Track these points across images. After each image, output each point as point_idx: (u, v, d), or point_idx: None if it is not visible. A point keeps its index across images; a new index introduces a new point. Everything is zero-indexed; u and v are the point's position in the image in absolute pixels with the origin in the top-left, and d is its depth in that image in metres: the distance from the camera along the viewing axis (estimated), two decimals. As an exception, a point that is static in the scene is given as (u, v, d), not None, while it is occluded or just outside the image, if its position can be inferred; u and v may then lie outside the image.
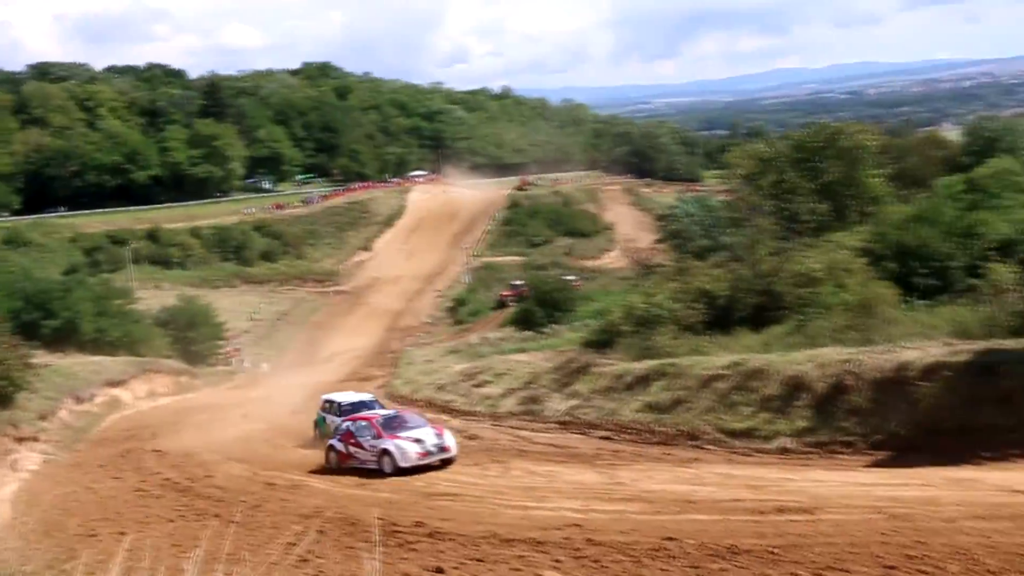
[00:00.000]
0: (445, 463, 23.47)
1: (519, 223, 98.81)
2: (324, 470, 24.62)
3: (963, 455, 18.52)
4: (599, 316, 36.62)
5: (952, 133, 75.04)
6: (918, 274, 30.50)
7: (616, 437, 24.67)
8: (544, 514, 17.93)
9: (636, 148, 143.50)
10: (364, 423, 24.75)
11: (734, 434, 22.20)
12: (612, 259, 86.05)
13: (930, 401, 19.80)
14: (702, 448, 22.31)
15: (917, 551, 12.64)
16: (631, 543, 14.95)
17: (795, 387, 22.05)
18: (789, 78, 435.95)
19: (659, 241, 71.13)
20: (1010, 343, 20.32)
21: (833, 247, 32.65)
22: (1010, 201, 37.23)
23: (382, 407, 29.04)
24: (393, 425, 24.50)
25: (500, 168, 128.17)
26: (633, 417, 24.98)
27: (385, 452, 23.39)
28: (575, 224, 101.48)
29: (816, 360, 22.42)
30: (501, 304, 62.02)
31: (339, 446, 24.67)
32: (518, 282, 64.13)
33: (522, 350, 38.69)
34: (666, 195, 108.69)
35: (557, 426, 26.96)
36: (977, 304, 24.25)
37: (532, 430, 27.09)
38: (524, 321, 51.24)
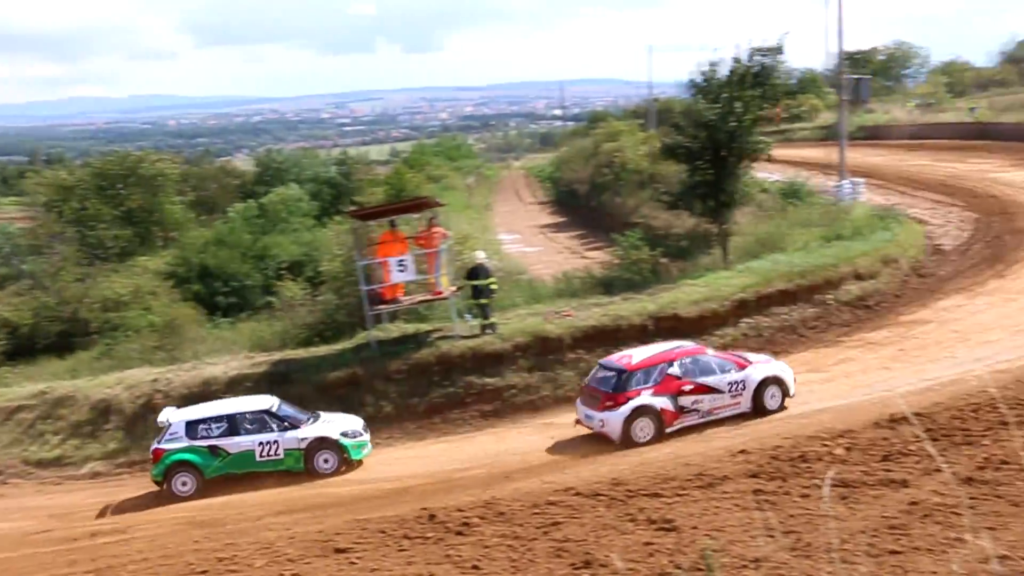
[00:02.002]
0: None
1: None
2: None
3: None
4: None
5: (245, 163, 78.86)
6: (220, 294, 32.18)
7: None
8: None
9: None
10: (699, 359, 17.98)
11: (42, 464, 21.42)
12: None
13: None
14: (7, 483, 21.19)
15: (227, 552, 13.24)
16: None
17: (105, 410, 21.96)
18: (88, 106, 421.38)
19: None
20: (301, 352, 22.59)
21: (139, 271, 32.99)
22: (297, 225, 40.80)
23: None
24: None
25: None
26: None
27: (772, 381, 17.92)
28: None
29: (125, 382, 22.58)
30: None
31: (659, 403, 17.29)
32: None
33: None
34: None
35: None
36: (272, 319, 26.35)
37: None
38: None
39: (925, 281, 26.11)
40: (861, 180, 36.58)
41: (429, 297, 22.70)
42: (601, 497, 12.57)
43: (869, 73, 60.30)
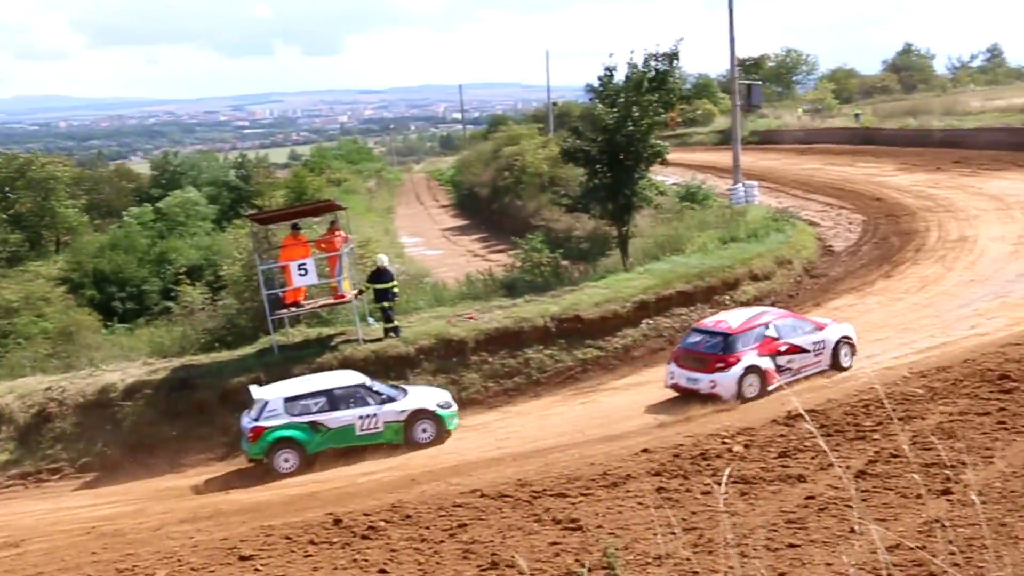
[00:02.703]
0: None
1: None
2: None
3: (168, 466, 19.88)
4: None
5: (141, 166, 77.28)
6: (117, 299, 31.45)
7: None
8: None
9: None
10: (787, 321, 19.49)
11: (-70, 477, 20.65)
12: None
13: (134, 419, 20.67)
14: None
15: (127, 563, 12.93)
16: None
17: (-4, 421, 21.28)
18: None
19: None
20: (202, 358, 22.20)
21: (30, 277, 32.07)
22: (195, 229, 40.15)
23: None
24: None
25: None
26: None
27: (845, 341, 19.52)
28: None
29: (16, 391, 21.83)
30: None
31: (763, 363, 18.43)
32: None
33: None
34: None
35: None
36: (172, 324, 25.85)
37: None
38: None
39: (817, 281, 26.94)
40: (755, 183, 37.56)
41: (331, 301, 22.56)
42: (507, 498, 12.68)
43: (761, 79, 62.01)
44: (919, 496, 9.91)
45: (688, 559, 9.11)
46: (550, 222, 37.86)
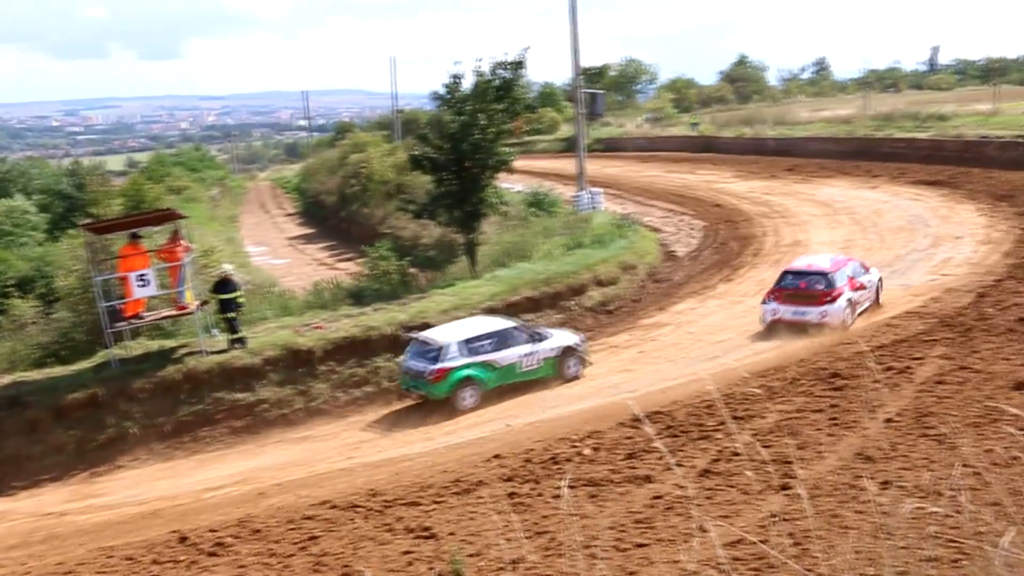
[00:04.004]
0: None
1: None
2: None
3: (-5, 489, 18.86)
4: None
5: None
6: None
7: None
8: None
9: None
10: (854, 264, 22.33)
11: None
12: None
13: (-40, 440, 19.57)
14: None
15: (-51, 596, 12.26)
16: None
17: None
18: None
19: None
20: (34, 374, 21.12)
21: None
22: (25, 239, 38.32)
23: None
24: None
25: None
26: None
27: (880, 280, 23.03)
28: None
29: None
30: None
31: (855, 296, 21.35)
32: None
33: None
34: None
35: None
36: (0, 339, 24.55)
37: None
38: None
39: (661, 286, 27.66)
40: (599, 190, 38.30)
41: (173, 312, 21.87)
42: (358, 509, 12.56)
43: (603, 88, 63.36)
44: (759, 492, 10.27)
45: (540, 563, 9.20)
46: (397, 230, 37.76)
